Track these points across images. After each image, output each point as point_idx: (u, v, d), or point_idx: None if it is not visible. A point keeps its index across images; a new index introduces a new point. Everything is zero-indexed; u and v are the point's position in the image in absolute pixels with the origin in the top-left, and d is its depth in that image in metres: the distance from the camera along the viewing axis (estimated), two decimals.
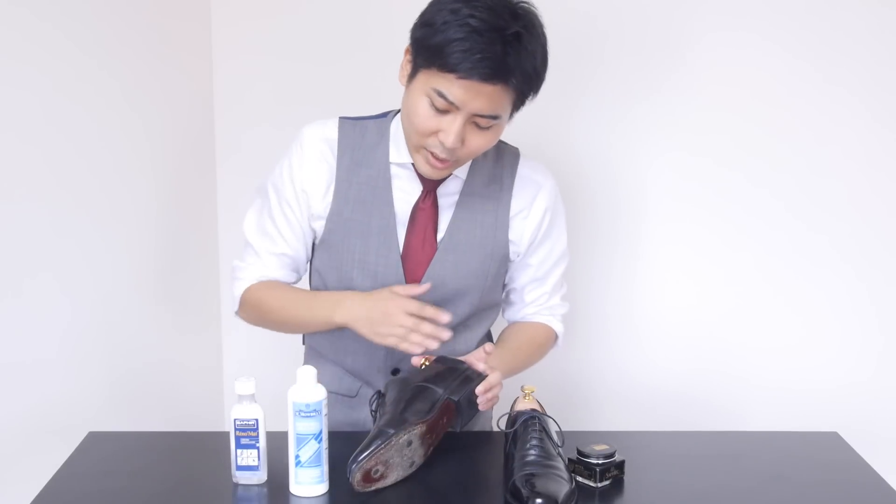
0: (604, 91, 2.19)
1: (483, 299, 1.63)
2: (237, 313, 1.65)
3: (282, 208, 1.58)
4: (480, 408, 1.47)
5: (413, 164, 1.52)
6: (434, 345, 1.44)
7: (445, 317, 1.45)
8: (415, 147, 1.48)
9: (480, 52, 1.34)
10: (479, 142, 1.45)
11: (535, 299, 1.70)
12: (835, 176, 2.18)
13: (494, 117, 1.42)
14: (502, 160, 1.61)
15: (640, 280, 2.28)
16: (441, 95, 1.38)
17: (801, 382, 2.26)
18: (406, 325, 1.43)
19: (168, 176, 2.11)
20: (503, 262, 1.63)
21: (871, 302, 2.22)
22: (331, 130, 1.57)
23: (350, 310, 1.49)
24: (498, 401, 1.50)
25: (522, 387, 1.51)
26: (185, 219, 2.15)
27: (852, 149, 2.16)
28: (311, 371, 1.31)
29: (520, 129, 1.57)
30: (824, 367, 2.25)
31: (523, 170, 1.62)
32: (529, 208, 1.61)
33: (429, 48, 1.38)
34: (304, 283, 1.66)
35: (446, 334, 1.45)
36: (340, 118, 1.59)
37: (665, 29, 2.15)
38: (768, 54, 2.13)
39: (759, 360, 2.27)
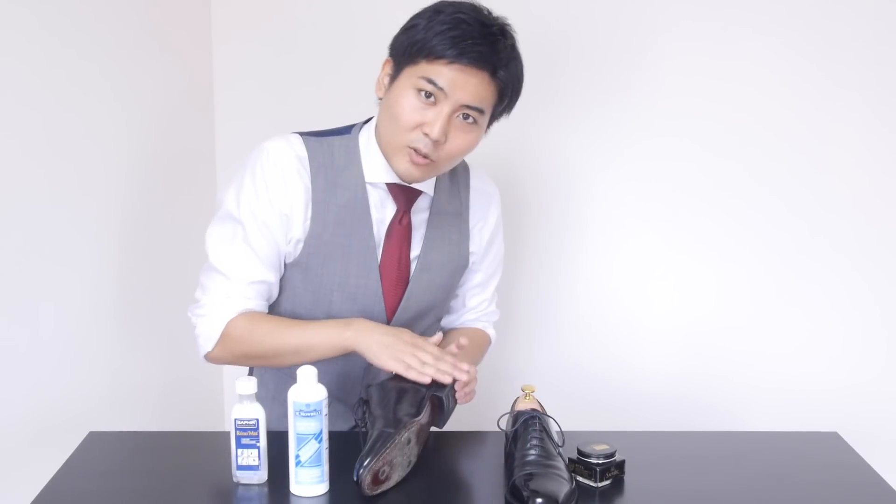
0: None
1: (443, 311, 1.70)
2: (208, 354, 1.53)
3: (261, 232, 1.50)
4: (460, 402, 1.48)
5: (386, 183, 1.53)
6: (447, 379, 1.42)
7: (462, 373, 1.44)
8: (396, 148, 1.47)
9: (471, 39, 1.40)
10: (460, 141, 1.47)
11: (475, 305, 1.75)
12: (837, 175, 2.17)
13: (479, 111, 1.45)
14: (455, 173, 1.65)
15: (641, 281, 2.28)
16: (430, 81, 1.42)
17: (801, 383, 2.26)
18: (427, 360, 1.42)
19: (168, 174, 2.11)
20: (463, 273, 1.68)
21: (872, 303, 2.22)
22: (299, 148, 1.52)
23: (361, 331, 1.46)
24: (475, 394, 1.51)
25: (523, 387, 1.51)
26: (185, 217, 2.15)
27: (855, 148, 2.16)
28: (311, 371, 1.31)
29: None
30: (825, 367, 2.25)
31: (474, 182, 1.68)
32: (485, 219, 1.67)
33: (415, 44, 1.43)
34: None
35: (464, 374, 1.44)
36: (301, 134, 1.54)
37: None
38: (758, 51, 2.14)
39: (760, 361, 2.27)
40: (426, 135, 1.43)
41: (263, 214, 1.50)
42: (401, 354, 1.43)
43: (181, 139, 2.18)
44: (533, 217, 2.27)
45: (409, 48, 1.44)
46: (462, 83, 1.42)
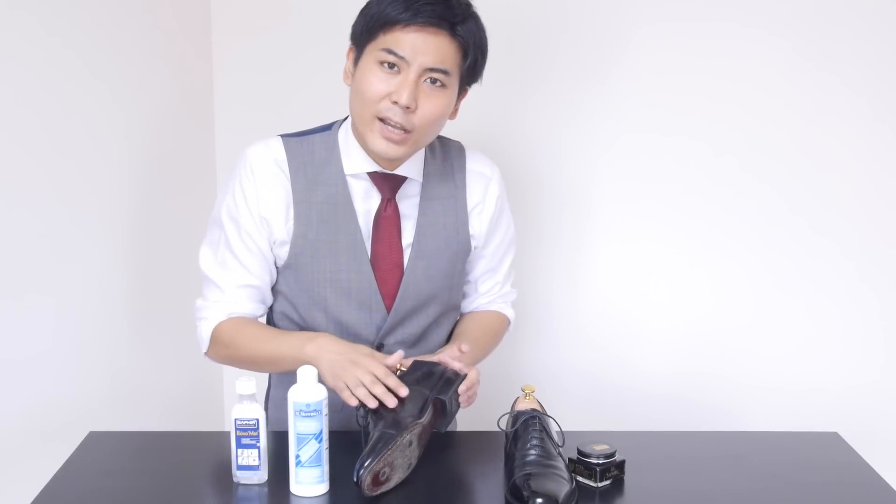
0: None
1: (451, 297, 1.67)
2: (206, 354, 1.60)
3: (242, 239, 1.53)
4: (462, 406, 1.48)
5: (368, 172, 1.53)
6: (373, 403, 1.36)
7: (403, 391, 1.38)
8: (368, 123, 1.47)
9: (423, 0, 1.41)
10: (431, 106, 1.46)
11: (488, 290, 1.73)
12: (838, 174, 2.17)
13: (445, 72, 1.45)
14: (449, 156, 1.64)
15: (641, 280, 2.28)
16: (391, 52, 1.43)
17: (801, 383, 2.25)
18: (364, 381, 1.38)
19: (169, 176, 2.11)
20: (466, 258, 1.66)
21: (873, 302, 2.21)
22: (278, 150, 1.54)
23: (321, 347, 1.45)
24: (476, 397, 1.50)
25: (523, 387, 1.51)
26: (185, 218, 2.15)
27: (856, 146, 2.15)
28: (311, 371, 1.31)
29: (473, 120, 1.57)
30: (826, 368, 2.25)
31: (471, 164, 1.66)
32: (483, 202, 1.65)
33: (370, 19, 1.45)
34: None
35: (392, 402, 1.37)
36: (282, 136, 1.56)
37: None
38: (759, 48, 2.13)
39: (760, 361, 2.27)
40: (395, 103, 1.44)
41: (244, 220, 1.53)
42: (340, 373, 1.40)
43: (182, 140, 2.18)
44: (531, 215, 2.27)
45: (365, 25, 1.46)
46: (422, 46, 1.43)
